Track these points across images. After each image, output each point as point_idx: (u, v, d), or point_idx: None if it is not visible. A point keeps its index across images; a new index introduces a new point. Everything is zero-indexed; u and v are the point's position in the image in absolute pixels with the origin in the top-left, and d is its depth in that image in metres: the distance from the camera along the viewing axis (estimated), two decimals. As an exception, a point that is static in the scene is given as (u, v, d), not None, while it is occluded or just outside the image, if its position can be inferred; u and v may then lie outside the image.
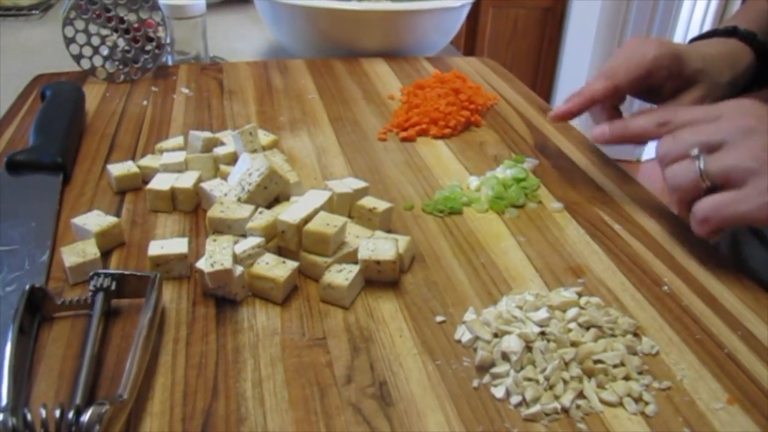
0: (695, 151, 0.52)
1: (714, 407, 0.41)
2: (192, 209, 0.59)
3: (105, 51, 0.87)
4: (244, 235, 0.52)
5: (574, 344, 0.43)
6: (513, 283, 0.51)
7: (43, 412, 0.36)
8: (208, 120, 0.78)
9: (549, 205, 0.62)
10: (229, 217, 0.52)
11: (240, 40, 1.23)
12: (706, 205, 0.51)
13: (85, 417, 0.35)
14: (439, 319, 0.47)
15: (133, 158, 0.67)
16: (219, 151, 0.64)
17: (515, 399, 0.40)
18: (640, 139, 0.61)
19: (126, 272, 0.47)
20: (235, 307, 0.48)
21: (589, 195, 0.65)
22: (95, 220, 0.53)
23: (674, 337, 0.46)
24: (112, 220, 0.54)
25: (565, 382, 0.41)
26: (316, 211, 0.52)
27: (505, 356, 0.42)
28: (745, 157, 0.50)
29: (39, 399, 0.40)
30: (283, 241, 0.52)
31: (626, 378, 0.42)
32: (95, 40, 0.86)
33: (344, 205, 0.57)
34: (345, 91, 0.89)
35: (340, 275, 0.48)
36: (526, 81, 0.89)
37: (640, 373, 0.43)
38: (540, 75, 3.10)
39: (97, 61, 0.87)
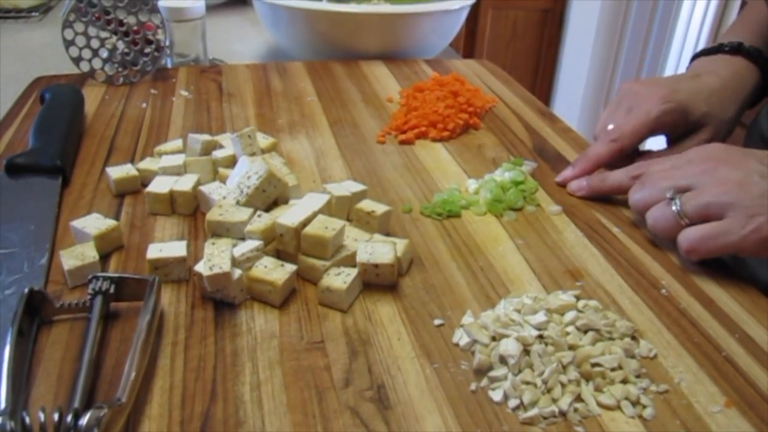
0: (670, 194, 0.54)
1: (711, 410, 0.41)
2: (191, 212, 0.59)
3: (104, 53, 0.87)
4: (243, 239, 0.52)
5: (571, 347, 0.43)
6: (511, 287, 0.52)
7: (42, 416, 0.36)
8: (207, 123, 0.78)
9: (547, 208, 0.62)
10: (227, 220, 0.52)
11: (239, 42, 1.23)
12: (691, 236, 0.52)
13: (84, 420, 0.35)
14: (437, 322, 0.47)
15: (132, 161, 0.67)
16: (218, 154, 0.64)
17: (513, 402, 0.40)
18: (617, 192, 0.63)
19: (125, 275, 0.47)
20: (234, 311, 0.48)
21: (587, 198, 0.65)
22: (94, 223, 0.54)
23: (672, 340, 0.47)
24: (111, 223, 0.54)
25: (563, 385, 0.41)
26: (314, 215, 0.52)
27: (502, 359, 0.43)
28: (716, 192, 0.52)
29: (37, 402, 0.40)
30: (282, 244, 0.52)
31: (624, 381, 0.42)
32: (94, 43, 0.86)
33: (343, 208, 0.57)
34: (344, 93, 0.89)
35: (339, 278, 0.48)
36: (526, 83, 0.90)
37: (637, 376, 0.43)
38: (539, 76, 3.10)
39: (97, 63, 0.87)
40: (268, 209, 0.56)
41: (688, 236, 0.52)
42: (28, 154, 0.64)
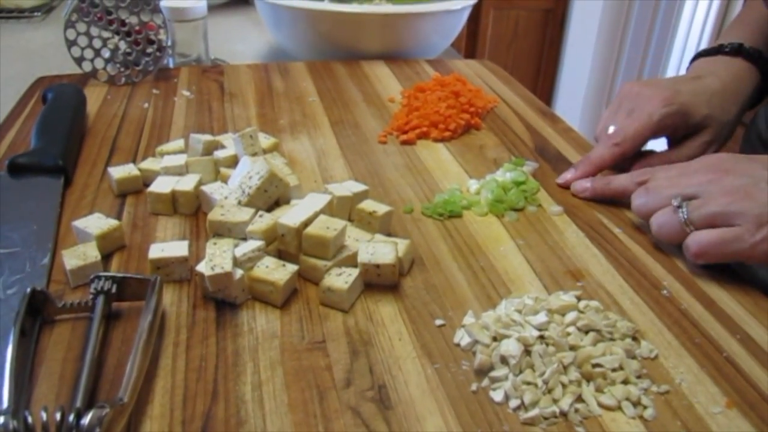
0: (677, 201, 0.54)
1: (712, 411, 0.41)
2: (192, 212, 0.60)
3: (106, 53, 0.87)
4: (245, 239, 0.52)
5: (572, 348, 0.44)
6: (512, 287, 0.52)
7: (44, 415, 0.36)
8: (208, 123, 0.78)
9: (548, 209, 0.62)
10: (229, 220, 0.52)
11: (241, 42, 1.24)
12: (701, 240, 0.52)
13: (86, 420, 0.35)
14: (438, 322, 0.47)
15: (134, 161, 0.67)
16: (219, 154, 0.64)
17: (514, 403, 0.41)
18: (621, 196, 0.63)
19: (126, 275, 0.47)
20: (235, 311, 0.48)
21: (590, 199, 0.65)
22: (96, 223, 0.54)
23: (673, 340, 0.47)
24: (112, 223, 0.54)
25: (564, 385, 0.41)
26: (316, 215, 0.52)
27: (503, 360, 0.43)
28: (723, 201, 0.52)
29: (40, 402, 0.40)
30: (283, 244, 0.52)
31: (625, 382, 0.42)
32: (97, 43, 0.86)
33: (344, 208, 0.57)
34: (345, 93, 0.89)
35: (340, 279, 0.48)
36: (527, 83, 0.90)
37: (638, 376, 0.43)
38: (541, 77, 3.10)
39: (99, 63, 0.87)
40: (269, 209, 0.56)
41: (697, 240, 0.52)
42: (31, 154, 0.64)
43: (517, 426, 0.39)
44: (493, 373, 0.42)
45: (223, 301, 0.49)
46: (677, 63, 2.88)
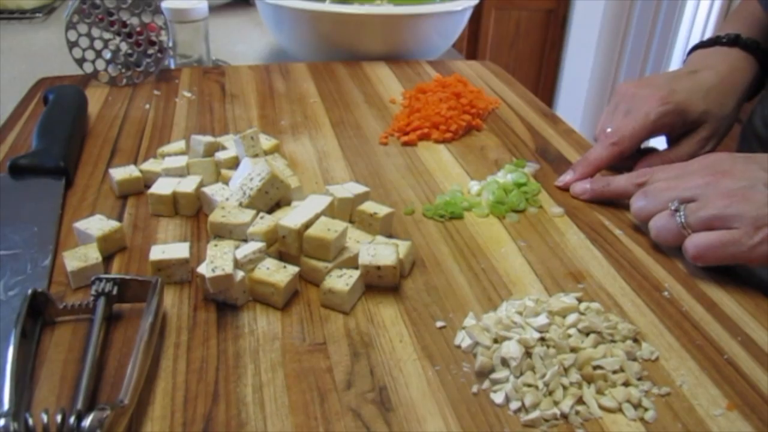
0: (674, 205, 0.54)
1: (713, 413, 0.41)
2: (193, 214, 0.60)
3: (107, 55, 0.87)
4: (245, 240, 0.52)
5: (573, 350, 0.44)
6: (513, 289, 0.52)
7: (45, 417, 0.36)
8: (210, 124, 0.78)
9: (550, 210, 0.62)
10: (230, 221, 0.52)
11: (242, 43, 1.24)
12: (699, 243, 0.52)
13: (87, 422, 0.35)
14: (439, 324, 0.47)
15: (135, 162, 0.67)
16: (220, 155, 0.64)
17: (514, 405, 0.41)
18: (620, 197, 0.63)
19: (127, 277, 0.47)
20: (236, 312, 0.48)
21: (590, 200, 0.65)
22: (97, 225, 0.54)
23: (674, 342, 0.47)
24: (113, 224, 0.54)
25: (565, 387, 0.41)
26: (317, 216, 0.52)
27: (504, 362, 0.43)
28: (721, 204, 0.52)
29: (41, 404, 0.40)
30: (284, 246, 0.52)
31: (626, 384, 0.42)
32: (98, 44, 0.86)
33: (345, 209, 0.57)
34: (347, 94, 0.89)
35: (341, 280, 0.48)
36: (529, 83, 0.89)
37: (639, 378, 0.43)
38: (542, 78, 3.10)
39: (100, 64, 0.87)
40: (270, 211, 0.56)
41: (695, 243, 0.52)
42: (32, 155, 0.64)
43: (517, 428, 0.39)
44: (494, 375, 0.42)
45: (224, 303, 0.49)
46: (679, 63, 2.88)
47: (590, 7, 2.82)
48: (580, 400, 0.41)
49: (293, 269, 0.49)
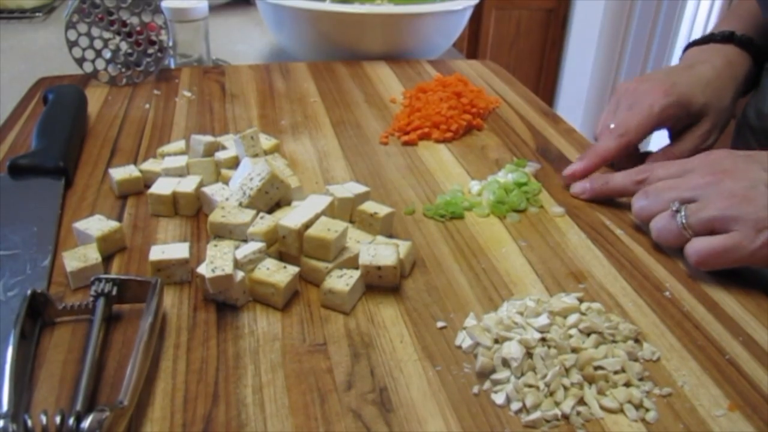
0: (675, 206, 0.54)
1: (715, 414, 0.41)
2: (193, 214, 0.59)
3: (107, 54, 0.87)
4: (245, 240, 0.52)
5: (574, 350, 0.43)
6: (514, 289, 0.51)
7: (44, 419, 0.36)
8: (209, 123, 0.78)
9: (550, 210, 0.62)
10: (230, 221, 0.52)
11: (242, 43, 1.23)
12: (700, 249, 0.52)
13: (86, 423, 0.35)
14: (439, 324, 0.47)
15: (134, 162, 0.67)
16: (220, 155, 0.64)
17: (515, 405, 0.40)
18: (619, 195, 0.63)
19: (127, 277, 0.47)
20: (236, 313, 0.48)
21: (591, 199, 0.64)
22: (97, 225, 0.54)
23: (675, 343, 0.46)
24: (113, 224, 0.54)
25: (566, 388, 0.41)
26: (317, 216, 0.52)
27: (505, 362, 0.42)
28: (721, 206, 0.51)
29: (40, 405, 0.40)
30: (284, 246, 0.52)
31: (627, 384, 0.42)
32: (98, 44, 0.86)
33: (345, 209, 0.57)
34: (347, 94, 0.89)
35: (341, 280, 0.48)
36: (529, 83, 0.90)
37: (640, 379, 0.43)
38: (543, 77, 3.10)
39: (100, 64, 0.87)
40: (270, 211, 0.56)
41: (697, 249, 0.52)
42: (31, 155, 0.64)
43: (518, 429, 0.39)
44: (495, 376, 0.42)
45: (223, 303, 0.49)
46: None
47: (591, 7, 2.82)
48: (581, 401, 0.41)
49: (293, 269, 0.49)
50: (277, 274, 0.48)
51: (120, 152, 0.70)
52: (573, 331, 0.45)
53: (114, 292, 0.46)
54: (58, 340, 0.45)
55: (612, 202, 0.64)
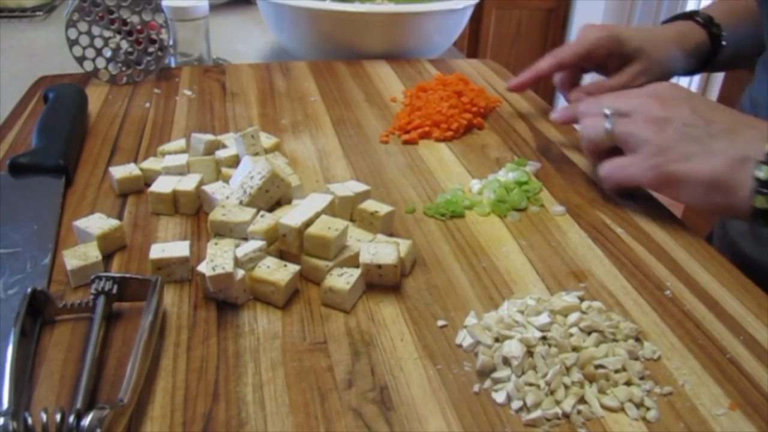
0: (609, 111, 0.60)
1: (716, 413, 0.41)
2: (194, 212, 0.59)
3: (108, 53, 0.87)
4: (246, 239, 0.52)
5: (575, 349, 0.43)
6: (514, 287, 0.51)
7: (44, 417, 0.36)
8: (210, 122, 0.78)
9: (551, 209, 0.62)
10: (230, 220, 0.52)
11: (242, 42, 1.23)
12: (607, 165, 0.61)
13: (86, 421, 0.35)
14: (440, 323, 0.47)
15: (135, 161, 0.67)
16: (221, 153, 0.64)
17: (516, 404, 0.40)
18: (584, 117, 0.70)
19: (127, 275, 0.47)
20: (236, 311, 0.48)
21: (592, 198, 0.64)
22: (97, 223, 0.54)
23: (676, 342, 0.46)
24: (113, 223, 0.54)
25: (567, 387, 0.41)
26: (317, 215, 0.52)
27: (506, 361, 0.42)
28: (641, 127, 0.58)
29: (40, 403, 0.40)
30: (285, 244, 0.52)
31: (628, 383, 0.42)
32: (98, 42, 0.86)
33: (346, 208, 0.57)
34: (347, 93, 0.89)
35: (342, 279, 0.48)
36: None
37: (641, 378, 0.43)
38: (543, 76, 3.10)
39: (100, 63, 0.87)
40: (271, 209, 0.56)
41: (605, 166, 0.61)
42: (32, 153, 0.64)
43: (519, 427, 0.39)
44: (496, 375, 0.42)
45: (224, 302, 0.48)
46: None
47: (591, 7, 2.82)
48: (581, 400, 0.41)
49: (294, 268, 0.49)
50: (277, 272, 0.48)
51: (120, 151, 0.70)
52: (574, 330, 0.45)
53: (114, 291, 0.46)
54: (58, 338, 0.45)
55: (612, 200, 0.64)
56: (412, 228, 0.59)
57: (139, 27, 0.87)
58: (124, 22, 0.86)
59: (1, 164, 0.66)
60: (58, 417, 0.35)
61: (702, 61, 0.82)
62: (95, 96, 0.83)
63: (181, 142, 0.68)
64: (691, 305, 0.50)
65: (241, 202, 0.55)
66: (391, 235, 0.56)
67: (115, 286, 0.46)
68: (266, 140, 0.69)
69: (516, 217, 0.61)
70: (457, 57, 1.14)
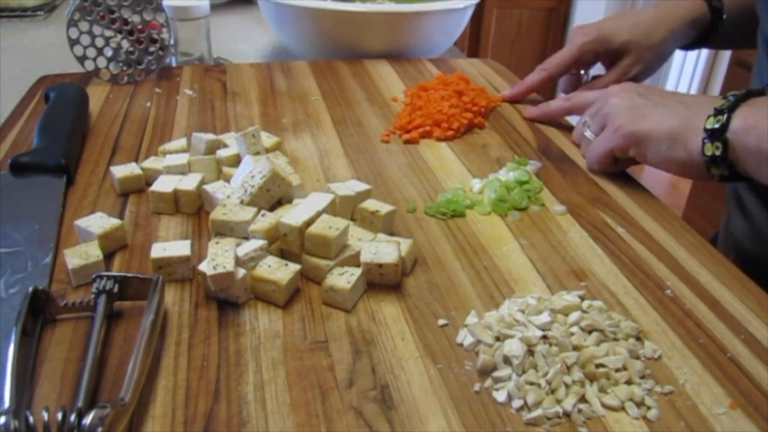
0: (587, 121, 0.70)
1: (716, 412, 0.41)
2: (195, 211, 0.59)
3: (109, 52, 0.87)
4: (247, 238, 0.52)
5: (576, 348, 0.43)
6: (515, 286, 0.51)
7: (45, 415, 0.36)
8: (211, 121, 0.78)
9: (552, 208, 0.62)
10: (231, 219, 0.52)
11: (243, 41, 1.23)
12: (588, 153, 0.69)
13: (87, 420, 0.35)
14: (441, 322, 0.47)
15: (136, 160, 0.67)
16: (222, 153, 0.64)
17: (517, 403, 0.40)
18: (557, 114, 0.80)
19: (128, 274, 0.47)
20: (237, 310, 0.48)
21: (592, 198, 0.64)
22: (98, 222, 0.54)
23: (677, 341, 0.46)
24: (114, 222, 0.54)
25: (567, 386, 0.41)
26: (318, 214, 0.52)
27: (506, 360, 0.42)
28: (609, 105, 0.65)
29: (41, 401, 0.40)
30: (286, 243, 0.52)
31: (628, 382, 0.42)
32: (99, 42, 0.86)
33: (347, 207, 0.57)
34: (348, 92, 0.89)
35: (343, 278, 0.48)
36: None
37: (642, 377, 0.43)
38: (544, 76, 3.09)
39: (101, 62, 0.87)
40: (272, 208, 0.56)
41: (587, 155, 0.69)
42: (33, 153, 0.64)
43: (520, 426, 0.39)
44: (496, 374, 0.42)
45: (225, 301, 0.49)
46: (679, 62, 2.87)
47: (591, 6, 2.82)
48: (582, 399, 0.41)
49: (295, 267, 0.49)
50: (278, 271, 0.48)
51: (121, 150, 0.70)
52: (574, 329, 0.45)
53: (115, 290, 0.46)
54: (59, 337, 0.45)
55: (613, 200, 0.64)
56: (413, 227, 0.59)
57: (140, 26, 0.87)
58: (125, 22, 0.86)
59: (2, 163, 0.66)
60: (59, 416, 0.35)
61: (703, 34, 0.83)
62: (96, 95, 0.83)
63: (182, 142, 0.68)
64: (692, 304, 0.50)
65: (242, 202, 0.55)
66: (392, 234, 0.56)
67: (116, 285, 0.46)
68: (267, 139, 0.69)
69: (517, 216, 0.61)
70: (457, 56, 1.14)
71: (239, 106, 0.83)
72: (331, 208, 0.54)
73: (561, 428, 0.39)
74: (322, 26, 1.00)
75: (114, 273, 0.47)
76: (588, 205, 0.63)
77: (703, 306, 0.50)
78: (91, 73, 0.87)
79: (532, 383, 0.41)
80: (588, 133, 0.69)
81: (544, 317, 0.44)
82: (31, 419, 0.36)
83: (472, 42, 3.02)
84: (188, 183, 0.59)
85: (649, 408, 0.41)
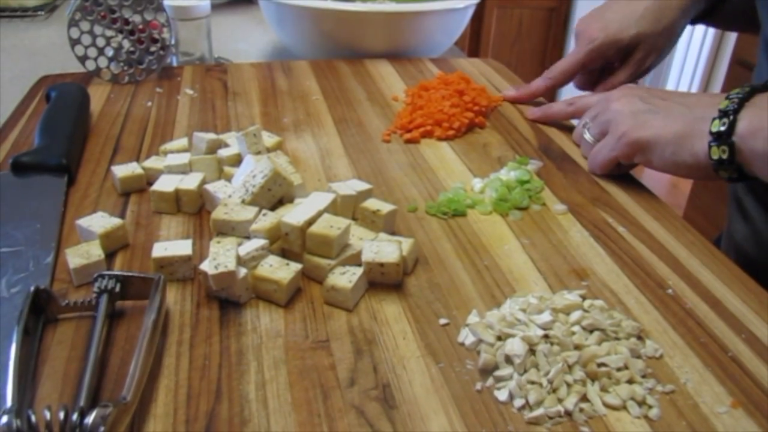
0: (587, 123, 0.69)
1: (718, 411, 0.41)
2: (196, 211, 0.59)
3: (110, 52, 0.87)
4: (248, 237, 0.52)
5: (577, 347, 0.43)
6: (516, 286, 0.51)
7: (48, 414, 0.36)
8: (212, 121, 0.78)
9: (553, 207, 0.62)
10: (233, 218, 0.52)
11: (244, 41, 1.24)
12: (589, 158, 0.69)
13: (89, 419, 0.35)
14: (442, 321, 0.47)
15: (137, 160, 0.67)
16: (223, 152, 0.64)
17: (518, 402, 0.40)
18: (560, 117, 0.79)
19: (130, 274, 0.47)
20: (239, 309, 0.48)
21: (593, 197, 0.64)
22: (99, 222, 0.54)
23: (678, 340, 0.46)
24: (116, 221, 0.54)
25: (569, 385, 0.41)
26: (319, 213, 0.52)
27: (508, 359, 0.42)
28: (610, 111, 0.64)
29: (43, 401, 0.40)
30: (287, 243, 0.52)
31: (630, 381, 0.42)
32: (100, 42, 0.86)
33: (348, 207, 0.57)
34: (349, 92, 0.89)
35: (344, 277, 0.48)
36: (531, 81, 0.91)
37: (643, 376, 0.43)
38: (544, 75, 3.10)
39: (102, 62, 0.87)
40: (273, 208, 0.56)
41: (589, 160, 0.68)
42: (34, 152, 0.64)
43: (521, 425, 0.39)
44: (498, 373, 0.42)
45: (226, 300, 0.49)
46: (680, 61, 2.87)
47: (592, 6, 2.81)
48: (584, 398, 0.41)
49: (296, 266, 0.49)
50: (279, 271, 0.48)
51: (122, 150, 0.71)
52: (576, 328, 0.45)
53: (117, 289, 0.46)
54: (61, 336, 0.45)
55: (614, 200, 0.64)
56: (414, 226, 0.59)
57: (141, 26, 0.87)
58: (126, 22, 0.86)
59: (3, 163, 0.66)
60: (61, 415, 0.35)
61: (710, 6, 0.80)
62: (97, 95, 0.83)
63: (183, 141, 0.68)
64: (693, 303, 0.50)
65: (243, 201, 0.55)
66: (393, 233, 0.56)
67: (118, 285, 0.47)
68: (268, 139, 0.69)
69: (518, 215, 0.61)
70: (458, 56, 1.14)
71: (240, 106, 0.83)
72: (333, 208, 0.54)
73: (562, 427, 0.39)
74: (322, 26, 1.00)
75: (115, 272, 0.47)
76: (589, 204, 0.63)
77: (704, 305, 0.50)
78: (92, 72, 0.87)
79: (533, 382, 0.41)
80: (587, 136, 0.69)
81: (546, 316, 0.45)
82: (33, 418, 0.36)
83: (473, 42, 3.02)
84: (189, 182, 0.59)
85: (650, 407, 0.41)
